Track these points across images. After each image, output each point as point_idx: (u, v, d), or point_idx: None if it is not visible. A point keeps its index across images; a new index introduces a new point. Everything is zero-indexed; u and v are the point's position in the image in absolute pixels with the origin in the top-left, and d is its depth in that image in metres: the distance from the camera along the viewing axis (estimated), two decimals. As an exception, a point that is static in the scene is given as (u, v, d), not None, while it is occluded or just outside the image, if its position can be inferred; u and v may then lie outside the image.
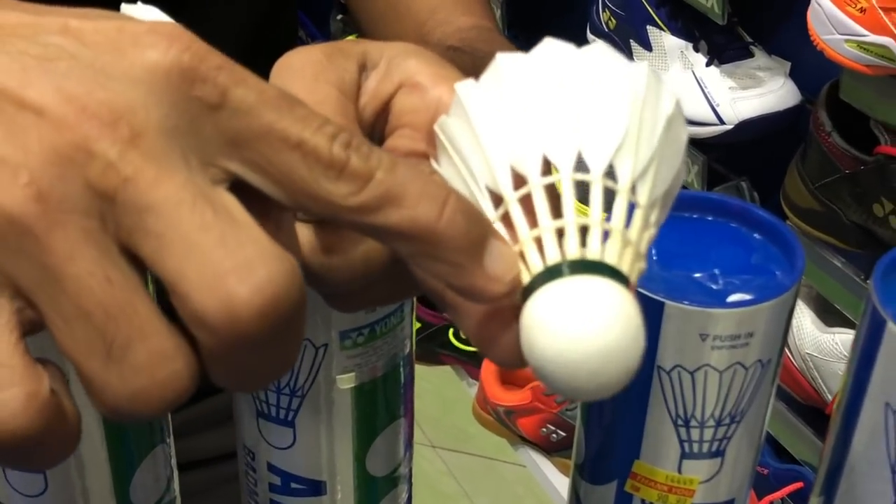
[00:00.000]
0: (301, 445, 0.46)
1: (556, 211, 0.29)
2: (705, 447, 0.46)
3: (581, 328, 0.27)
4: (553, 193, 0.30)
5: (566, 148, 0.30)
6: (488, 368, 1.95)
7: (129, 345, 0.26)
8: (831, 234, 1.24)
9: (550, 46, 0.32)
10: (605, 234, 0.29)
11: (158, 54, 0.27)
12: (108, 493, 0.46)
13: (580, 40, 0.32)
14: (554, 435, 1.89)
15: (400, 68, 0.35)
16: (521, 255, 0.29)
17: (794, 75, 1.35)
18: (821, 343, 1.29)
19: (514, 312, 0.29)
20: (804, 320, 1.31)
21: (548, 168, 0.30)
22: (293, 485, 0.47)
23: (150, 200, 0.26)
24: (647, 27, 1.44)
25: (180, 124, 0.27)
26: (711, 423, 0.45)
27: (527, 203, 0.30)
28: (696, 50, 1.39)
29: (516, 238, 0.30)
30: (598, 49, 0.31)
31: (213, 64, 0.27)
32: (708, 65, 1.37)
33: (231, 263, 0.26)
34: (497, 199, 0.31)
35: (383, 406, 0.47)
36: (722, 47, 1.39)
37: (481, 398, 1.98)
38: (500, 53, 0.32)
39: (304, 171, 0.28)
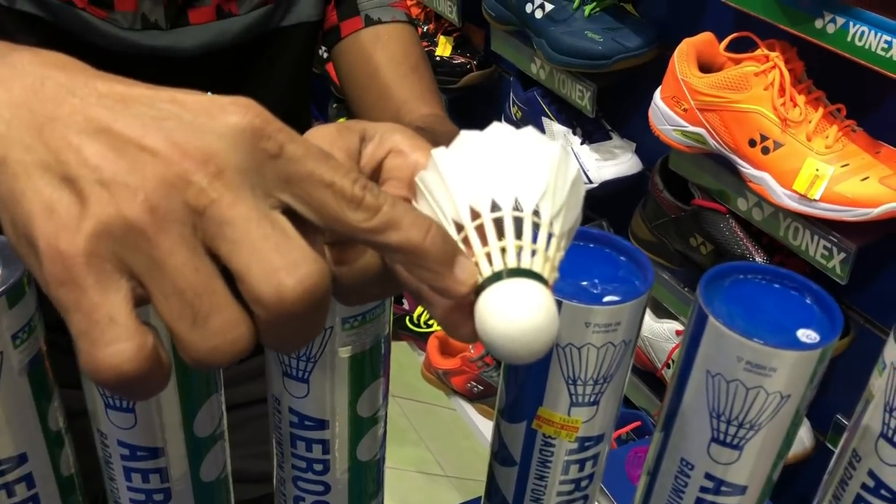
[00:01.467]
0: (312, 395, 0.45)
1: (500, 236, 0.29)
2: (586, 398, 0.46)
3: (517, 314, 0.27)
4: (498, 225, 0.30)
5: (507, 195, 0.30)
6: (432, 344, 1.94)
7: (210, 314, 0.26)
8: (662, 258, 1.25)
9: (497, 127, 0.31)
10: (532, 253, 0.29)
11: (238, 118, 0.27)
12: (178, 426, 0.44)
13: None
14: (475, 388, 1.88)
15: (389, 140, 0.35)
16: (476, 265, 0.29)
17: (639, 152, 1.36)
18: (654, 329, 1.29)
19: (470, 305, 0.29)
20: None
21: (495, 207, 0.30)
22: (306, 422, 0.46)
23: (228, 216, 0.26)
24: (542, 118, 1.45)
25: (250, 167, 0.27)
26: (591, 382, 0.45)
27: (479, 230, 0.30)
28: (574, 134, 1.40)
29: (472, 253, 0.29)
30: (529, 130, 0.31)
31: (275, 127, 0.27)
32: (581, 144, 1.38)
33: (283, 263, 0.26)
34: (459, 227, 0.30)
35: (369, 369, 0.46)
36: (591, 132, 1.40)
37: (427, 363, 1.97)
38: (463, 130, 0.32)
39: (334, 203, 0.27)
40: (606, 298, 0.43)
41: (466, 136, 0.31)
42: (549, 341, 0.28)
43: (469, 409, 1.92)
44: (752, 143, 1.00)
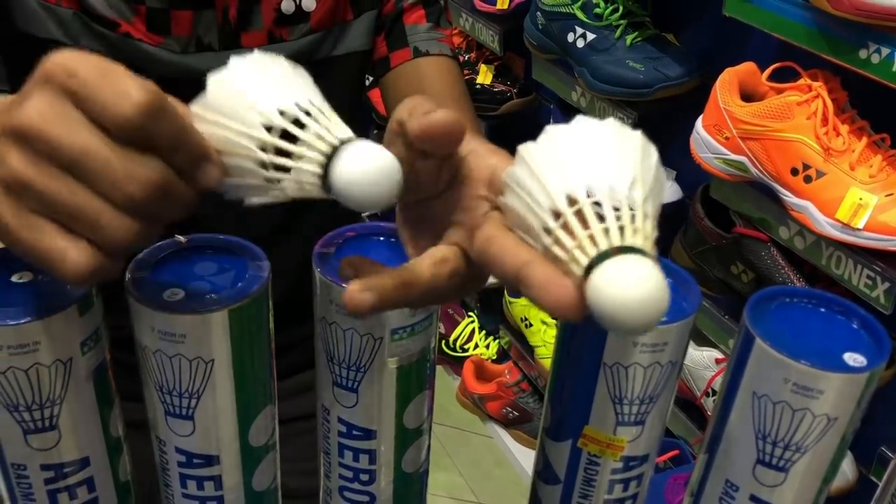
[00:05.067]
0: (361, 405, 0.46)
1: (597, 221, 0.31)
2: (632, 418, 0.46)
3: (635, 286, 0.29)
4: (593, 210, 0.31)
5: (601, 180, 0.32)
6: (468, 368, 1.94)
7: (98, 216, 0.34)
8: (702, 285, 1.23)
9: (581, 120, 0.34)
10: (634, 231, 0.31)
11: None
12: (234, 436, 0.45)
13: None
14: (511, 414, 1.88)
15: (469, 145, 0.38)
16: (581, 247, 0.31)
17: (679, 179, 1.36)
18: (693, 357, 1.29)
19: (569, 286, 0.31)
20: (682, 342, 1.31)
21: (591, 193, 0.32)
22: (354, 432, 0.47)
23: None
24: (582, 145, 1.45)
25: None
26: (637, 401, 0.45)
27: (578, 216, 0.32)
28: (614, 161, 1.40)
29: (575, 237, 0.31)
30: (612, 122, 0.33)
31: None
32: (621, 171, 1.38)
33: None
34: (556, 215, 0.32)
35: (416, 381, 0.47)
36: (631, 160, 1.40)
37: (462, 388, 1.97)
38: (548, 126, 0.34)
39: None
40: (654, 319, 0.44)
41: (552, 130, 0.34)
42: (663, 310, 0.29)
43: (504, 435, 1.91)
44: (795, 172, 1.00)
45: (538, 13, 1.42)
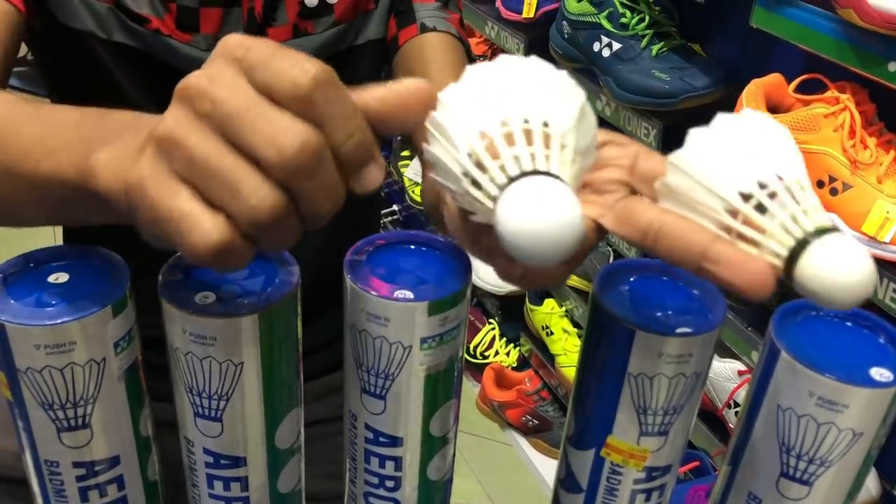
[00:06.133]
0: (388, 412, 0.46)
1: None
2: (656, 428, 0.46)
3: (849, 264, 0.32)
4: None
5: (784, 169, 0.35)
6: (488, 375, 1.94)
7: (239, 184, 0.32)
8: (725, 297, 1.23)
9: (751, 112, 0.36)
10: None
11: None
12: (261, 438, 0.46)
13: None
14: (530, 422, 1.88)
15: (607, 135, 0.41)
16: (785, 228, 0.33)
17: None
18: (716, 368, 1.28)
19: (765, 265, 0.33)
20: (704, 353, 1.31)
21: (764, 186, 0.34)
22: (381, 439, 0.47)
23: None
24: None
25: None
26: (661, 412, 0.45)
27: (764, 203, 0.34)
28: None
29: (774, 217, 0.34)
30: (773, 119, 0.36)
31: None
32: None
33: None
34: (746, 197, 0.34)
35: (443, 390, 0.47)
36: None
37: (482, 395, 1.97)
38: (718, 114, 0.36)
39: None
40: (679, 329, 0.44)
41: (722, 119, 0.35)
42: (874, 281, 0.32)
43: (523, 443, 1.91)
44: (821, 185, 1.00)
45: (564, 22, 1.43)
